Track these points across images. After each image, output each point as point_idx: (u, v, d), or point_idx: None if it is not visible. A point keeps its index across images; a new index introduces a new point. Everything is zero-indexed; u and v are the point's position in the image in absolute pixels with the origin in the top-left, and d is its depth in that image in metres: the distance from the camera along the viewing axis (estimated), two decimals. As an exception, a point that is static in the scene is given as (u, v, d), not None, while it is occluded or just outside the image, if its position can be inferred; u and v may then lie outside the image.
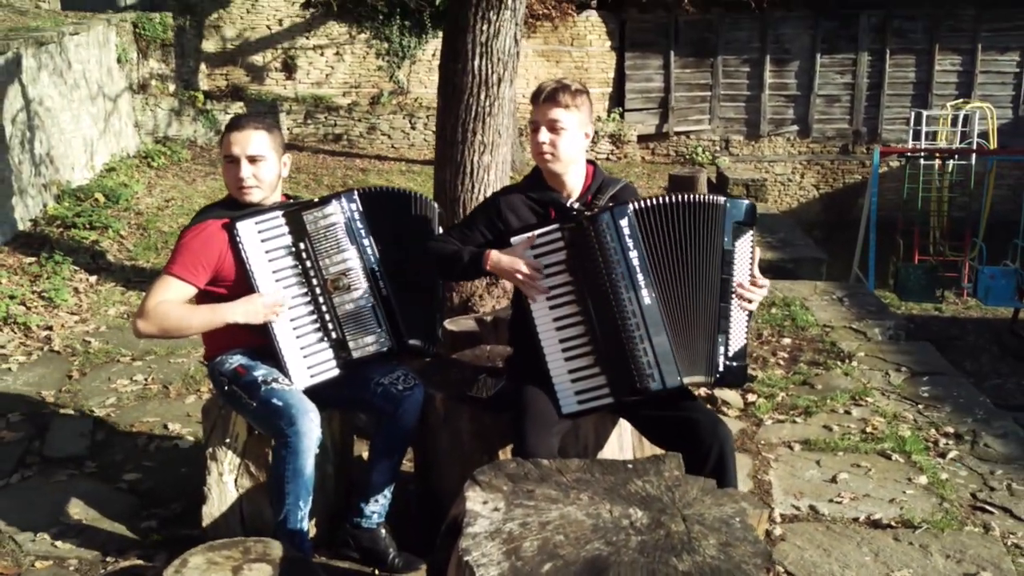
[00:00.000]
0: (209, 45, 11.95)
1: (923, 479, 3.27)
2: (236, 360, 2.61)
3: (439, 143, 4.62)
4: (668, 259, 2.33)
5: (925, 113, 12.10)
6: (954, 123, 12.11)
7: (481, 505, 1.78)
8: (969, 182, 11.74)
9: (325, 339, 2.61)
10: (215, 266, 2.55)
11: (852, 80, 12.98)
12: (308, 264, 2.60)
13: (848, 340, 4.87)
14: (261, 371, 2.56)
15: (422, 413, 2.66)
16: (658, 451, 2.43)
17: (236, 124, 2.62)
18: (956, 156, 11.67)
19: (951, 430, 3.75)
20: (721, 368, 2.39)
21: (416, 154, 11.50)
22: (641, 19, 12.79)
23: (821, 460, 3.43)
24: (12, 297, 5.33)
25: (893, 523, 2.97)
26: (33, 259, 6.06)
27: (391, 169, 10.69)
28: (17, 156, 6.67)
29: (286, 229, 2.60)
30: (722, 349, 2.38)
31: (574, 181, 2.57)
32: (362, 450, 3.20)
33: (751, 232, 2.41)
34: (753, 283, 2.41)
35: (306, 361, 2.59)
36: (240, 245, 2.54)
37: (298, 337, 2.59)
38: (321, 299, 2.61)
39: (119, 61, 9.75)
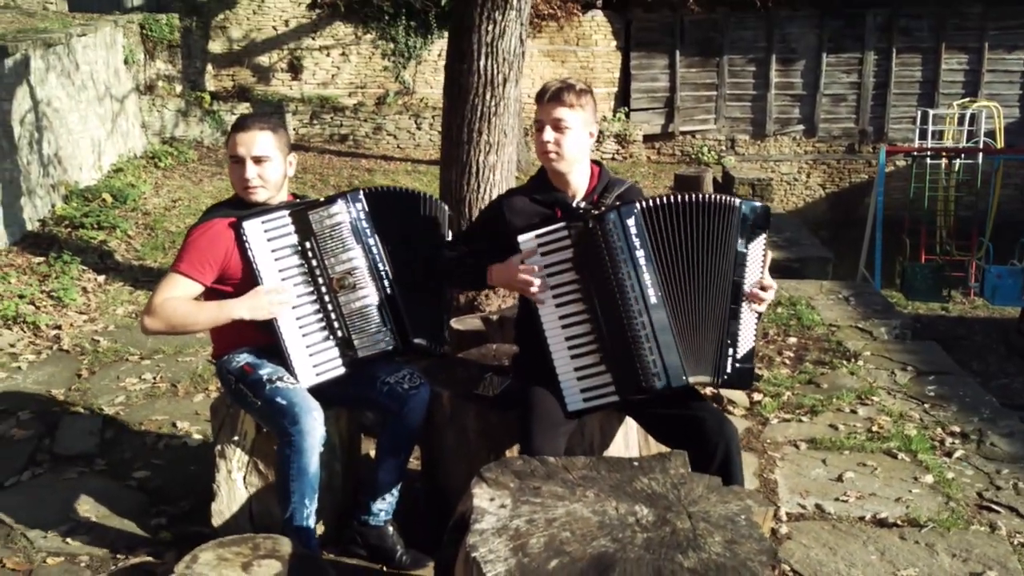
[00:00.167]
0: (215, 46, 11.99)
1: (929, 478, 3.27)
2: (243, 358, 2.63)
3: (445, 143, 4.63)
4: (676, 259, 2.33)
5: (931, 112, 12.07)
6: (961, 122, 12.08)
7: (488, 502, 1.79)
8: (976, 181, 11.70)
9: (331, 338, 2.63)
10: (221, 264, 2.57)
11: (858, 79, 12.95)
12: (314, 263, 2.62)
13: (854, 339, 4.87)
14: (267, 369, 2.57)
15: (428, 411, 2.67)
16: (664, 449, 2.44)
17: (241, 125, 2.63)
18: (963, 155, 11.64)
19: (957, 429, 3.74)
20: (729, 370, 2.39)
21: (422, 154, 11.52)
22: (646, 19, 12.77)
23: (827, 459, 3.44)
24: (21, 296, 5.37)
25: (899, 522, 2.97)
26: (42, 259, 6.10)
27: (397, 169, 10.71)
28: (26, 157, 6.71)
29: (292, 228, 2.61)
30: (730, 351, 2.38)
31: (579, 181, 2.58)
32: (369, 448, 3.22)
33: (764, 235, 2.41)
34: (763, 286, 2.41)
35: (312, 360, 2.60)
36: (247, 244, 2.55)
37: (304, 336, 2.60)
38: (327, 298, 2.62)
39: (126, 62, 9.79)
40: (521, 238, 2.41)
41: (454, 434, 2.75)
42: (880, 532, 2.91)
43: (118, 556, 2.78)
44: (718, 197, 2.35)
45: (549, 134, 2.49)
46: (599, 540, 1.68)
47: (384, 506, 2.67)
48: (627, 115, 12.85)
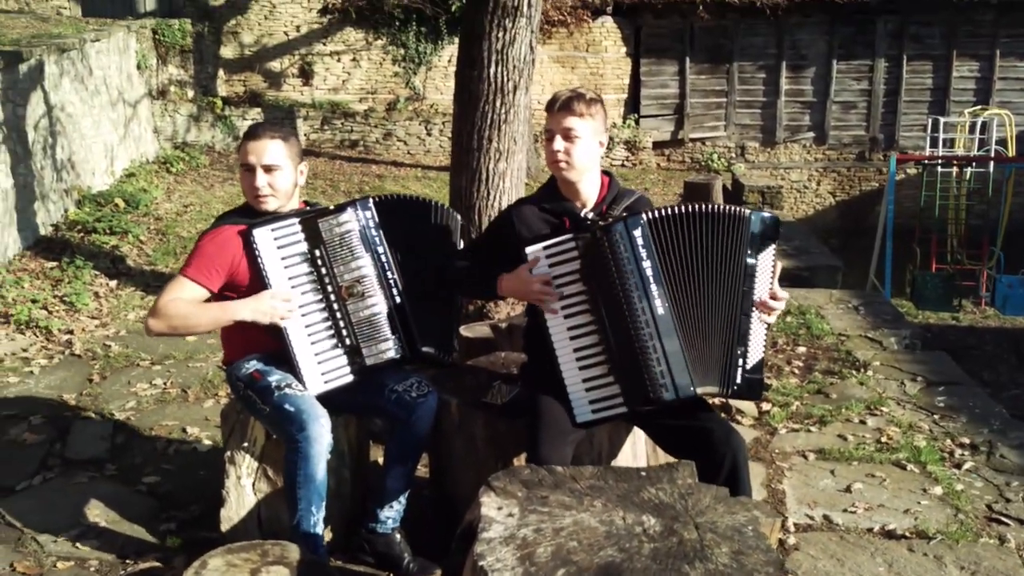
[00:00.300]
0: (227, 51, 12.07)
1: (938, 490, 3.26)
2: (252, 365, 2.65)
3: (455, 150, 4.65)
4: (684, 270, 2.34)
5: (943, 120, 12.02)
6: (972, 130, 12.03)
7: (496, 511, 1.80)
8: (987, 190, 11.65)
9: (339, 345, 2.64)
10: (229, 270, 2.59)
11: (869, 86, 12.91)
12: (323, 271, 2.63)
13: (864, 349, 4.85)
14: (276, 376, 2.59)
15: (436, 419, 2.68)
16: (671, 460, 2.44)
17: (253, 133, 2.65)
18: (974, 163, 11.59)
19: (967, 440, 3.73)
20: (739, 380, 2.38)
21: (432, 160, 11.55)
22: (656, 25, 12.79)
23: (835, 470, 3.43)
24: (34, 301, 5.41)
25: (907, 534, 2.96)
26: (54, 264, 6.15)
27: (407, 175, 10.74)
28: (39, 162, 6.77)
29: (302, 236, 2.63)
30: (740, 362, 2.38)
31: (589, 190, 2.58)
32: (378, 455, 3.23)
33: (774, 245, 2.41)
34: (773, 296, 2.41)
35: (320, 367, 2.62)
36: (256, 251, 2.57)
37: (312, 343, 2.62)
38: (336, 306, 2.64)
39: (139, 67, 9.87)
40: (529, 249, 2.43)
41: (462, 442, 2.75)
42: (888, 544, 2.90)
43: (127, 561, 2.80)
44: (726, 208, 2.35)
45: (559, 143, 2.50)
46: (606, 550, 1.69)
47: (392, 514, 2.68)
48: (637, 122, 12.85)
